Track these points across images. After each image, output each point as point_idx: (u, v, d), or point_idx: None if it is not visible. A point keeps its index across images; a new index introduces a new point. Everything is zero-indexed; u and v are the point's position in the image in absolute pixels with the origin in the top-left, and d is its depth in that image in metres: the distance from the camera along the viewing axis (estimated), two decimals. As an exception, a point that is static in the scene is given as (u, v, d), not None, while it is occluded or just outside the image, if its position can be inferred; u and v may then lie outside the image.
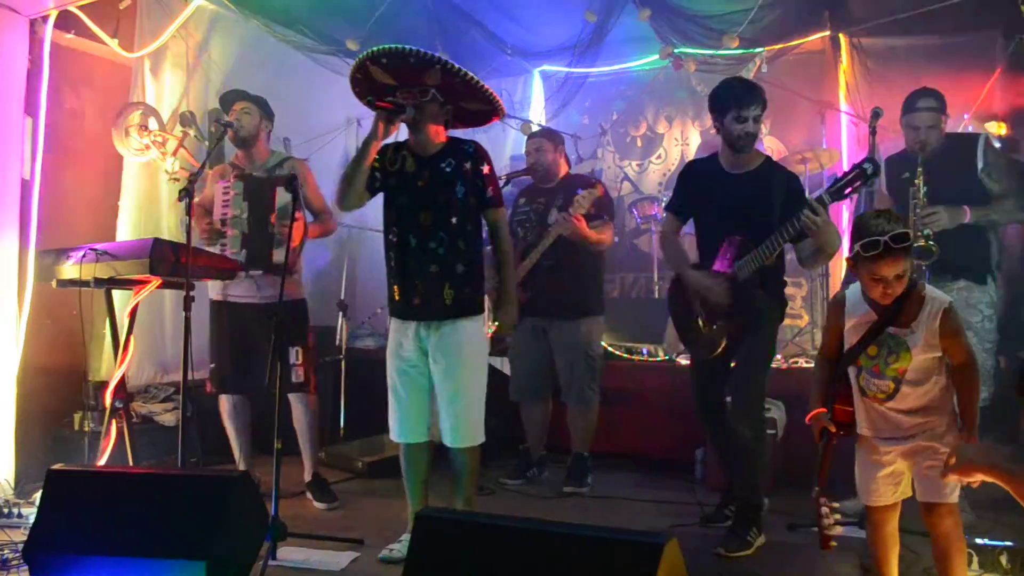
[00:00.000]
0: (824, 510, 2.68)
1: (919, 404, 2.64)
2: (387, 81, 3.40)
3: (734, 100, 3.58)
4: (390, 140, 3.48)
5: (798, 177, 3.74)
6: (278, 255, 4.06)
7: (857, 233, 2.61)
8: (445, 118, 3.50)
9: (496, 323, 3.63)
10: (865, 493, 2.80)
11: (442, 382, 3.43)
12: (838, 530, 2.70)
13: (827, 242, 3.38)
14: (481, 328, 3.56)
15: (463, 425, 3.42)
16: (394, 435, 3.56)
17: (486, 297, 3.72)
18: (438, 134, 3.49)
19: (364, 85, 3.47)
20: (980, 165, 3.92)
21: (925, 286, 2.66)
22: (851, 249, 2.63)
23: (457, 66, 3.26)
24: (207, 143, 5.29)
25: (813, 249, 3.47)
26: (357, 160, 3.40)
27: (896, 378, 2.64)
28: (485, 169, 3.48)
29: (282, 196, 4.10)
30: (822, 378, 2.86)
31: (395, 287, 3.48)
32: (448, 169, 3.43)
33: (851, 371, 2.77)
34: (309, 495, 4.37)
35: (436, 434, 3.56)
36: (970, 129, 5.04)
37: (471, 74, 3.29)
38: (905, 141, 4.01)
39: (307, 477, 4.41)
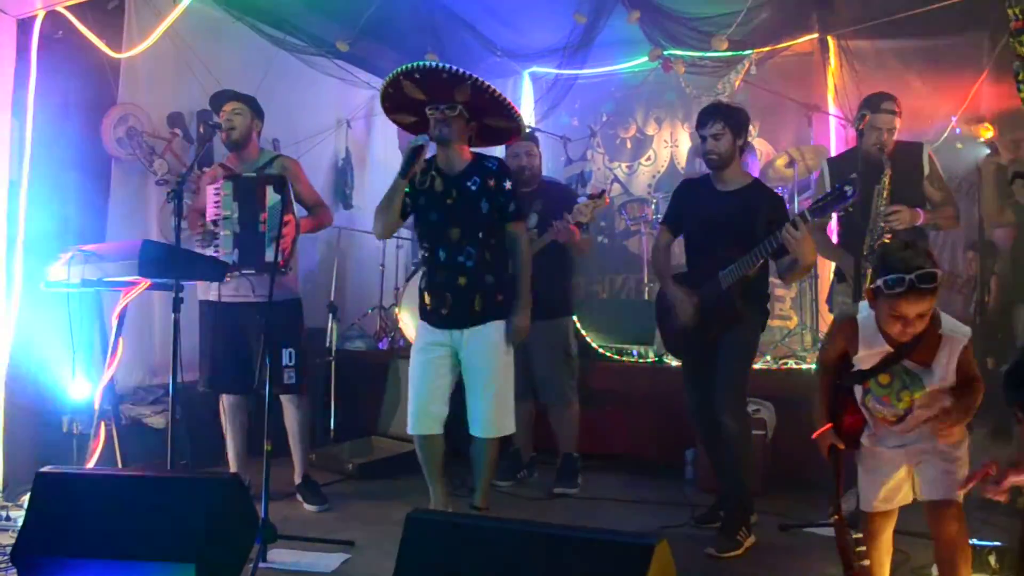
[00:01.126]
0: (849, 538, 2.69)
1: (928, 420, 2.60)
2: (417, 96, 3.59)
3: (696, 125, 3.88)
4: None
5: (783, 200, 3.92)
6: (271, 254, 4.05)
7: (881, 264, 2.52)
8: (469, 135, 3.68)
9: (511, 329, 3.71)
10: (868, 502, 2.80)
11: (476, 375, 3.62)
12: (867, 562, 2.72)
13: (804, 254, 3.55)
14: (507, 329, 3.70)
15: (497, 415, 3.62)
16: (411, 428, 3.70)
17: None
18: (463, 151, 3.67)
19: (394, 100, 3.68)
20: (926, 172, 4.09)
21: (942, 320, 2.55)
22: (873, 279, 2.53)
23: (487, 83, 3.46)
24: (196, 144, 5.28)
25: (790, 261, 3.62)
26: (392, 192, 3.59)
27: (908, 408, 2.61)
28: (507, 185, 3.67)
29: (272, 195, 4.08)
30: (824, 389, 2.81)
31: (429, 297, 3.69)
32: (474, 188, 3.63)
33: (857, 389, 2.73)
34: (299, 497, 4.36)
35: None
36: (958, 132, 5.09)
37: (499, 91, 3.50)
38: (864, 140, 4.05)
39: (297, 479, 4.40)
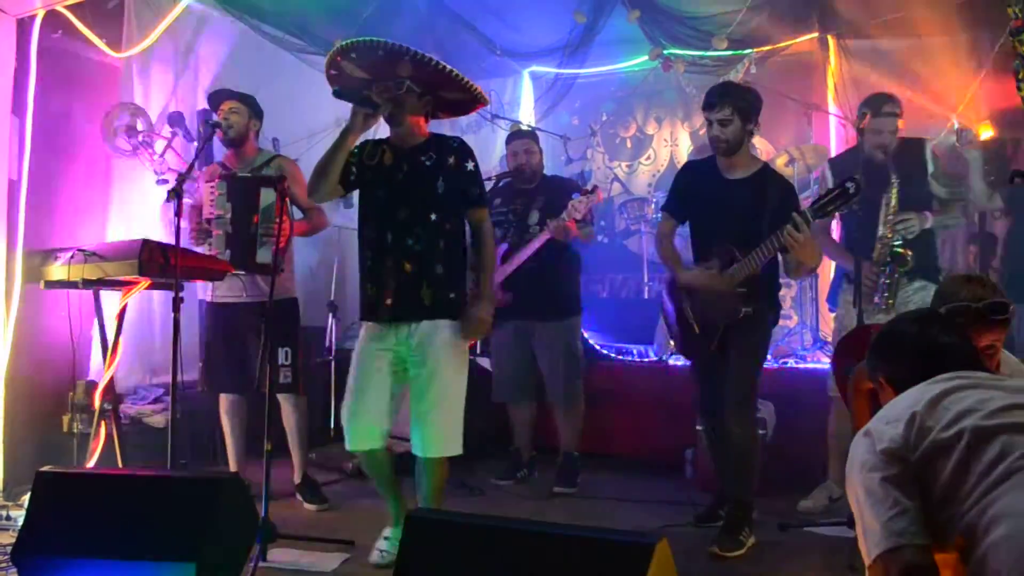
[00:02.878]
0: None
1: None
2: (360, 75, 3.30)
3: (703, 105, 3.68)
4: (371, 135, 3.45)
5: (793, 188, 3.78)
6: (262, 255, 4.05)
7: (940, 300, 2.33)
8: (425, 109, 3.36)
9: (467, 322, 3.32)
10: None
11: (423, 387, 3.24)
12: None
13: (808, 256, 3.45)
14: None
15: (440, 434, 3.25)
16: (349, 444, 3.36)
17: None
18: (418, 127, 3.36)
19: (340, 81, 3.38)
20: (930, 170, 4.02)
21: (1003, 359, 2.36)
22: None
23: (428, 56, 3.15)
24: (195, 143, 5.27)
25: (796, 262, 3.53)
26: (333, 151, 3.26)
27: None
28: (470, 165, 3.34)
29: (266, 196, 4.07)
30: (866, 415, 2.57)
31: (368, 285, 3.33)
32: (428, 163, 3.30)
33: None
34: (299, 496, 4.35)
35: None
36: (956, 128, 5.09)
37: (443, 63, 3.19)
38: (866, 143, 4.02)
39: (297, 479, 4.39)
